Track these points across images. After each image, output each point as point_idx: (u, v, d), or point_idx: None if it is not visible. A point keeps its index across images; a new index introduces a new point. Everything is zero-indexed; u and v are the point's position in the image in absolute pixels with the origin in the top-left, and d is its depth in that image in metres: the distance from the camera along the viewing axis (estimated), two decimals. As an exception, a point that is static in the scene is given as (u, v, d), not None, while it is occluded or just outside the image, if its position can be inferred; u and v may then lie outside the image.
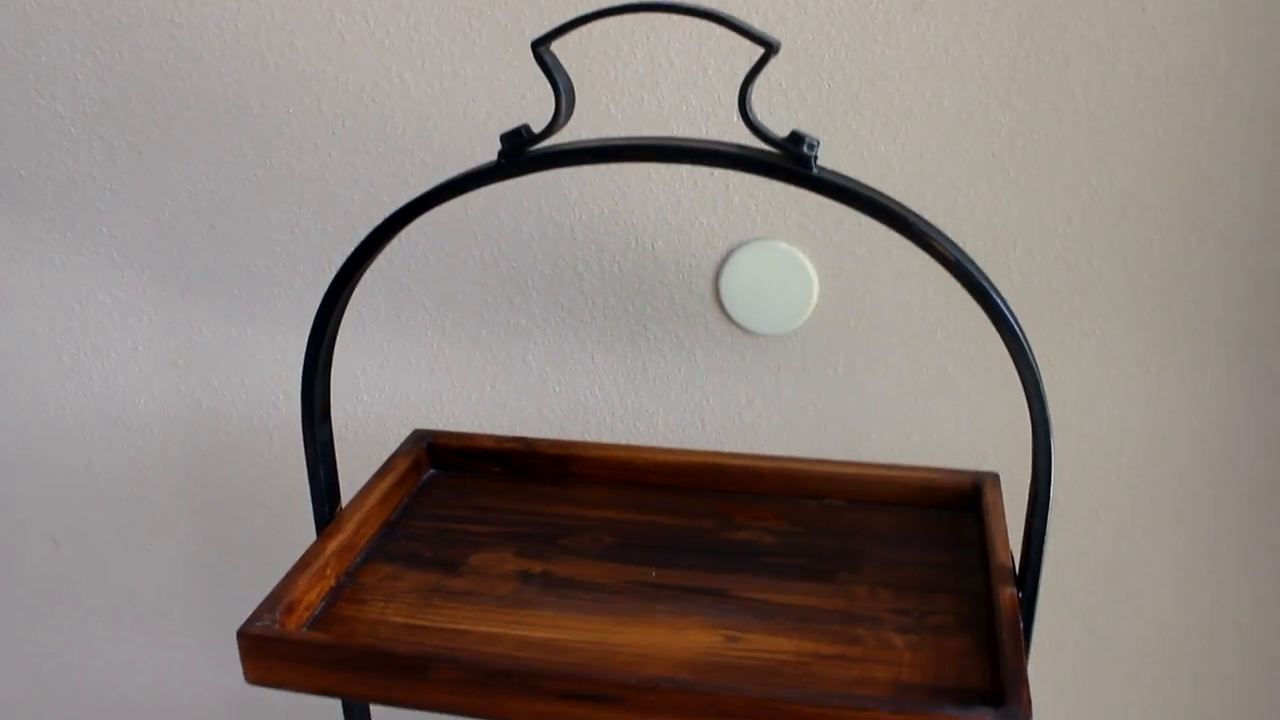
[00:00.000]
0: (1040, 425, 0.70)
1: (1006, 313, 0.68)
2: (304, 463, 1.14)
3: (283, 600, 0.73)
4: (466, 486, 0.92)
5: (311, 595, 0.76)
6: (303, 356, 1.08)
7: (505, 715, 0.68)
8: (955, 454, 1.00)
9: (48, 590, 1.28)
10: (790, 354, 0.99)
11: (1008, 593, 0.74)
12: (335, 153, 1.00)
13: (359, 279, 0.74)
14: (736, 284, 0.97)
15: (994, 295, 0.67)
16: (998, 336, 0.97)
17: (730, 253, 0.97)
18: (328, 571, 0.78)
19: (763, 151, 0.67)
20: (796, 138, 0.65)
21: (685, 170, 0.95)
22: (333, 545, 0.79)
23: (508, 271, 1.01)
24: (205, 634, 1.26)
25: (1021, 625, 0.71)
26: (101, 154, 1.05)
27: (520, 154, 0.68)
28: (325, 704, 1.27)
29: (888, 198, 0.67)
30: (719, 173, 0.95)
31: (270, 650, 0.70)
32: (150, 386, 1.14)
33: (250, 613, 1.24)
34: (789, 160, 0.66)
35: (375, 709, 0.91)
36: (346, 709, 0.87)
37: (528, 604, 0.77)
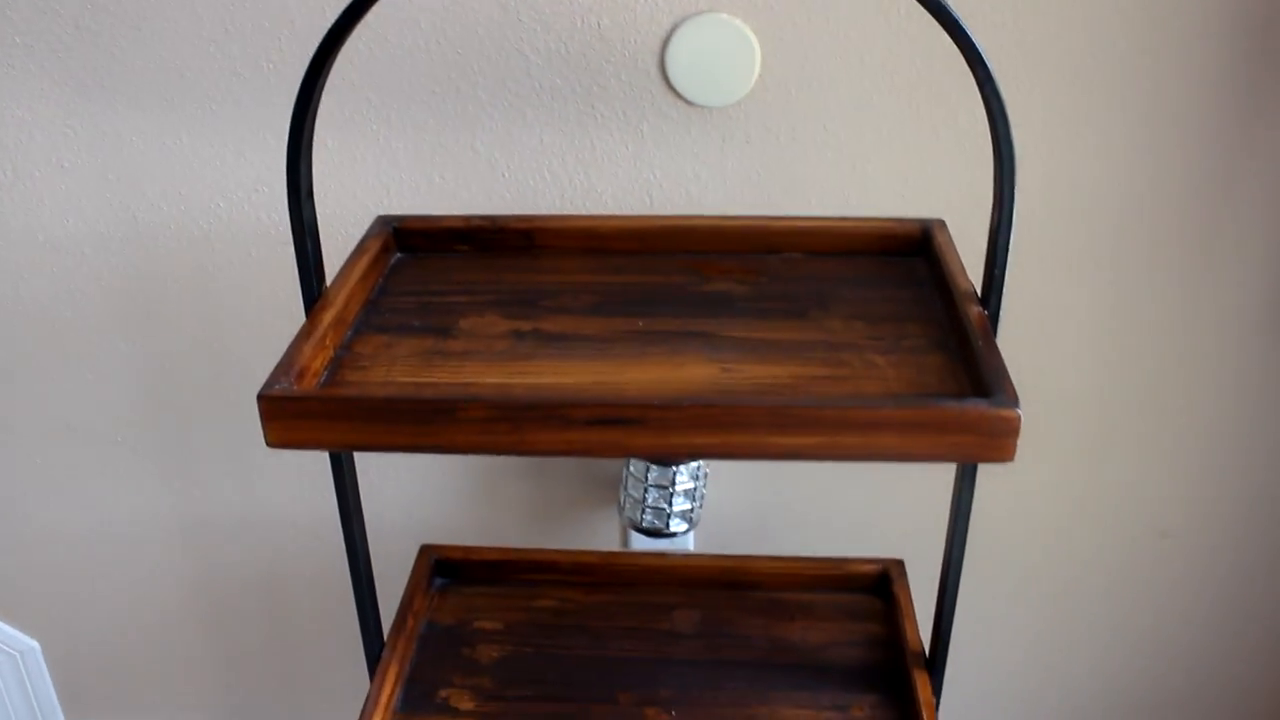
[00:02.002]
0: (1003, 139, 0.75)
1: (970, 36, 0.72)
2: (245, 274, 1.15)
3: (293, 367, 0.75)
4: (437, 265, 0.94)
5: (316, 363, 0.78)
6: (244, 161, 1.08)
7: (532, 449, 0.72)
8: (891, 214, 1.05)
9: (-20, 429, 1.26)
10: (734, 125, 1.03)
11: (975, 310, 0.80)
12: (268, -58, 0.98)
13: (340, 49, 0.74)
14: (681, 58, 1.00)
15: (958, 20, 0.71)
16: (930, 102, 1.02)
17: (675, 27, 0.99)
18: (327, 342, 0.80)
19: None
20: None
21: (628, -56, 0.96)
22: (328, 317, 0.81)
23: (453, 58, 1.01)
24: (153, 462, 1.26)
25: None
26: (9, -41, 1.01)
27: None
28: (273, 523, 1.29)
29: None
30: (661, -54, 0.96)
31: (293, 410, 0.72)
32: (80, 205, 1.11)
33: (199, 439, 1.26)
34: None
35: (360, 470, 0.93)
36: (336, 470, 0.89)
37: (527, 356, 0.80)
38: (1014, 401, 0.70)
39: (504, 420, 0.71)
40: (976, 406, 0.70)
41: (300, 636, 1.38)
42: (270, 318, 1.14)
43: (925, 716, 0.93)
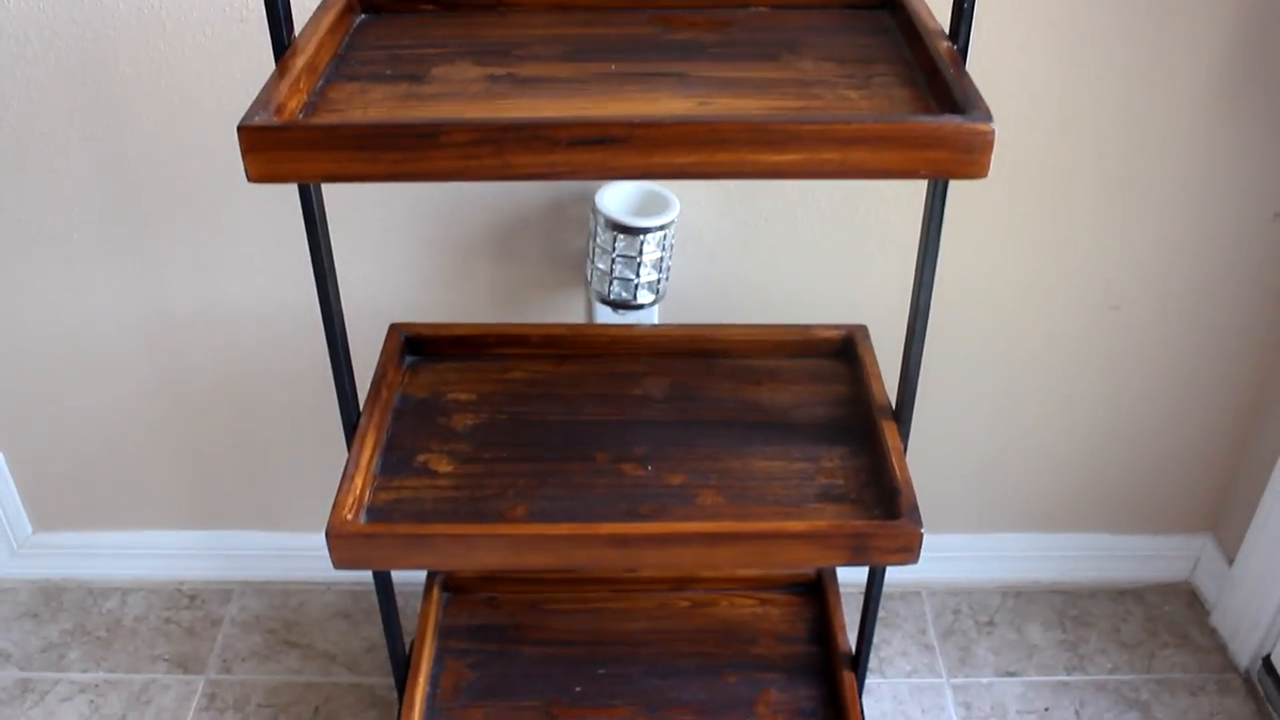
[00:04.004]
0: None
1: None
2: (201, 55, 1.13)
3: (270, 104, 0.74)
4: (403, 24, 0.93)
5: (293, 104, 0.78)
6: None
7: (515, 172, 0.73)
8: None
9: (-71, 232, 1.24)
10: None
11: (945, 45, 0.81)
12: None
13: None
14: None
15: None
16: None
17: None
18: (301, 85, 0.79)
19: None
20: None
21: None
22: (300, 62, 0.80)
23: None
24: (114, 260, 1.25)
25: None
26: None
27: None
28: (236, 318, 1.28)
29: None
30: None
31: (275, 140, 0.72)
32: (22, -15, 1.08)
33: (160, 233, 1.24)
34: None
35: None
36: (310, 225, 0.88)
37: (503, 96, 0.81)
38: (987, 116, 0.72)
39: (487, 143, 0.71)
40: (952, 121, 0.72)
41: (267, 435, 1.39)
42: (229, 98, 1.12)
43: (894, 461, 0.97)
